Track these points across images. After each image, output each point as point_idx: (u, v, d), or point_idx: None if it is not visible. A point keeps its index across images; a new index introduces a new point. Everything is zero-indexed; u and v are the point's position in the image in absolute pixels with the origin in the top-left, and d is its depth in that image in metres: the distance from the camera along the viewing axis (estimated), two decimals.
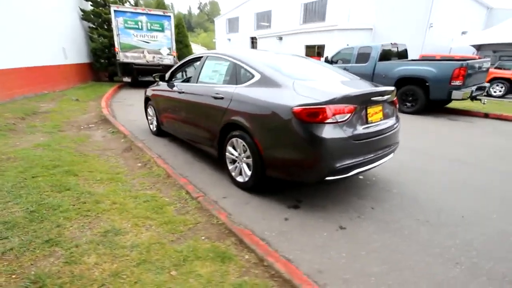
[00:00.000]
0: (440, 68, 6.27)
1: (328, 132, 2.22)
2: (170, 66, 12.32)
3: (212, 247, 1.93)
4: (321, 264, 1.85)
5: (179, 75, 4.51)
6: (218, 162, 3.58)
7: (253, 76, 2.78)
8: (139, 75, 12.01)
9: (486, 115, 6.66)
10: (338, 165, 2.29)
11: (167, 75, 4.31)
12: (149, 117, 5.16)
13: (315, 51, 17.61)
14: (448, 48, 15.40)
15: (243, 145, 2.77)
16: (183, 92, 3.68)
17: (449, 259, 1.95)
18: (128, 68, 11.65)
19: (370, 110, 2.50)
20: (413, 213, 2.52)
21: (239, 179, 2.94)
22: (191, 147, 4.20)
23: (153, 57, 12.06)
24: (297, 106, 2.25)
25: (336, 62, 8.97)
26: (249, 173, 2.78)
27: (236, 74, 2.96)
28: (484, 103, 6.84)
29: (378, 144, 2.54)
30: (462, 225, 2.36)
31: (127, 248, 1.88)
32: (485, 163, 3.83)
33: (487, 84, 7.00)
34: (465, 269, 1.85)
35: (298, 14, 19.90)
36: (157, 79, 4.67)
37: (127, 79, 11.86)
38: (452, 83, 6.08)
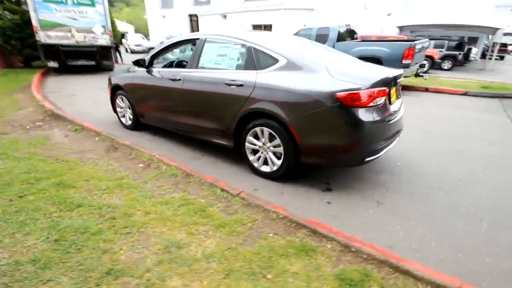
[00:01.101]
0: (393, 48, 6.99)
1: (370, 115, 2.31)
2: (107, 48, 10.83)
3: (287, 242, 1.88)
4: (387, 240, 1.99)
5: (160, 60, 3.99)
6: (226, 154, 3.40)
7: (276, 60, 2.64)
8: (68, 59, 10.18)
9: (426, 89, 7.79)
10: (376, 146, 2.43)
11: (146, 60, 3.76)
12: (119, 109, 4.50)
13: (263, 30, 17.57)
14: (379, 28, 17.11)
15: (270, 134, 2.68)
16: (178, 80, 3.29)
17: (473, 217, 2.31)
18: (53, 51, 9.75)
19: (391, 92, 2.67)
20: (424, 182, 2.86)
21: (265, 169, 2.86)
22: (183, 140, 3.85)
23: (84, 36, 10.32)
24: (340, 91, 2.25)
25: None
26: (278, 162, 2.72)
27: (254, 59, 2.77)
28: (425, 79, 7.98)
29: (397, 123, 2.76)
30: (464, 186, 2.80)
31: (203, 260, 1.69)
32: (448, 130, 4.54)
33: (425, 62, 8.13)
34: (489, 222, 2.22)
35: None
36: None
37: (53, 64, 9.94)
38: (403, 62, 6.86)
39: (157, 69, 3.78)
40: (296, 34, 9.31)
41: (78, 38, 10.14)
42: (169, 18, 25.35)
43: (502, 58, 20.81)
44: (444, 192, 2.69)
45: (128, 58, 13.79)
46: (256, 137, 2.83)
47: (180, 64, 4.13)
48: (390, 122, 2.55)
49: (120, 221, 2.00)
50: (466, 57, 15.70)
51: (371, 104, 2.30)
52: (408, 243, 1.97)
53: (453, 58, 14.51)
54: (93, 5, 10.25)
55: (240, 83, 2.75)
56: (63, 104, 5.87)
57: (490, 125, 4.92)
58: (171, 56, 5.53)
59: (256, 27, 17.37)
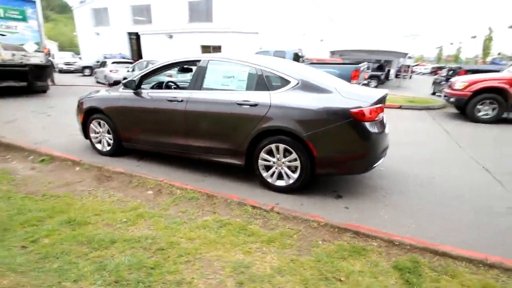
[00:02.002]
0: (342, 69, 8.02)
1: (375, 127, 2.71)
2: (41, 67, 9.61)
3: (338, 246, 2.05)
4: (413, 233, 2.30)
5: (148, 81, 3.83)
6: (230, 173, 3.42)
7: (288, 82, 2.88)
8: None
9: None
10: (378, 154, 2.83)
11: (135, 81, 3.58)
12: (93, 135, 4.09)
13: (211, 51, 17.80)
14: (315, 52, 19.19)
15: (285, 150, 2.86)
16: (180, 101, 3.23)
17: (455, 205, 2.84)
18: None
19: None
20: (408, 182, 3.38)
21: (279, 183, 3.00)
22: (176, 163, 3.71)
23: (13, 54, 9.04)
24: (353, 108, 2.59)
25: None
26: (295, 175, 2.90)
27: (265, 80, 2.95)
28: None
29: (387, 134, 3.24)
30: (440, 184, 3.39)
31: (276, 275, 1.73)
32: (403, 139, 5.40)
33: (365, 81, 9.47)
34: (476, 208, 2.76)
35: (184, 12, 19.31)
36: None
37: None
38: (351, 81, 7.91)
39: (149, 91, 3.64)
40: None
41: (5, 56, 8.80)
42: (104, 36, 23.72)
43: (410, 77, 25.40)
44: (425, 188, 3.22)
45: (58, 79, 12.31)
46: (269, 153, 2.96)
47: (167, 85, 4.04)
48: (385, 133, 3.01)
49: (171, 251, 1.88)
50: (387, 76, 18.69)
51: (376, 118, 2.70)
52: (425, 232, 2.33)
53: (377, 77, 17.10)
54: (24, 20, 9.11)
55: (254, 103, 2.88)
56: (7, 132, 4.99)
57: (429, 133, 6.01)
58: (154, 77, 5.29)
59: (204, 47, 17.62)
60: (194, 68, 3.60)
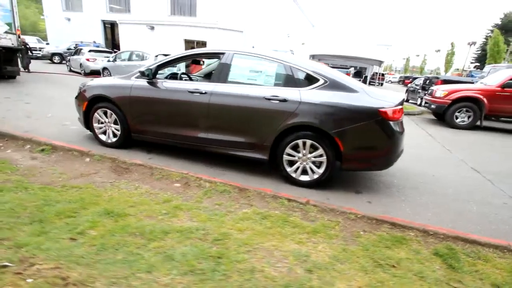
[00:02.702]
0: None
1: (398, 127, 2.89)
2: (13, 50, 8.76)
3: (379, 236, 2.17)
4: (434, 223, 2.50)
5: (162, 71, 3.69)
6: (248, 167, 3.43)
7: (317, 80, 2.96)
8: None
9: None
10: (399, 152, 3.02)
11: (152, 70, 3.43)
12: (97, 125, 3.85)
13: (195, 47, 17.39)
14: (297, 55, 19.63)
15: (312, 145, 2.94)
16: (204, 93, 3.17)
17: (458, 200, 3.12)
18: None
19: None
20: (413, 179, 3.64)
21: (304, 178, 3.08)
22: (191, 156, 3.63)
23: None
24: (382, 107, 2.75)
25: None
26: (320, 170, 2.99)
27: (294, 77, 3.01)
28: None
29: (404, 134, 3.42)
30: (441, 181, 3.69)
31: (336, 263, 1.80)
32: None
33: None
34: (476, 202, 3.07)
35: (165, 4, 18.66)
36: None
37: None
38: None
39: (167, 81, 3.52)
40: None
41: None
42: (76, 22, 22.13)
43: (381, 84, 26.96)
44: (431, 185, 3.49)
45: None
46: (294, 149, 3.03)
47: (178, 77, 3.92)
48: (404, 133, 3.21)
49: (228, 242, 1.86)
50: (364, 82, 19.70)
51: (399, 118, 2.89)
52: (444, 223, 2.55)
53: None
54: None
55: (284, 98, 2.93)
56: None
57: (417, 136, 6.46)
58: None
59: (188, 42, 17.19)
60: (207, 60, 3.56)
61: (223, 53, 3.30)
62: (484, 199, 3.18)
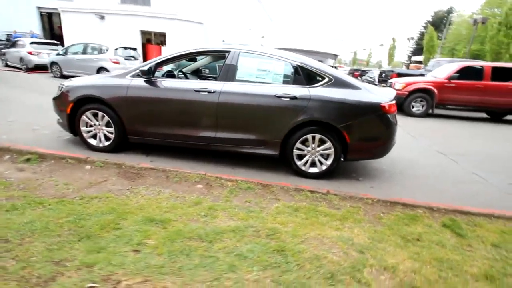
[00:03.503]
0: None
1: (394, 119, 3.25)
2: None
3: (397, 216, 2.48)
4: (438, 200, 2.91)
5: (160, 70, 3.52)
6: (256, 163, 3.54)
7: (323, 78, 3.16)
8: None
9: None
10: (394, 141, 3.40)
11: (148, 68, 3.26)
12: (85, 129, 3.55)
13: (152, 38, 16.38)
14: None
15: (320, 139, 3.16)
16: (212, 92, 3.15)
17: (441, 180, 3.66)
18: None
19: None
20: (399, 166, 4.12)
21: (313, 170, 3.29)
22: (189, 156, 3.59)
23: None
24: (382, 102, 3.07)
25: None
26: (328, 162, 3.23)
27: (302, 75, 3.17)
28: None
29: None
30: (417, 164, 4.24)
31: (375, 243, 2.03)
32: None
33: None
34: (450, 180, 3.63)
35: None
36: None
37: None
38: None
39: (169, 80, 3.40)
40: None
41: None
42: (6, 10, 19.05)
43: None
44: (410, 169, 3.97)
45: None
46: (302, 143, 3.21)
47: (173, 74, 3.79)
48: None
49: (280, 235, 1.97)
50: None
51: (395, 112, 3.25)
52: (437, 200, 2.99)
53: None
54: None
55: (294, 95, 3.07)
56: None
57: None
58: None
59: (145, 33, 16.13)
60: (208, 58, 3.50)
61: (228, 52, 3.30)
62: (456, 177, 3.76)
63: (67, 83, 3.62)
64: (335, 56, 22.03)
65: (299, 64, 3.21)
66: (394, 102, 3.21)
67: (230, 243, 1.81)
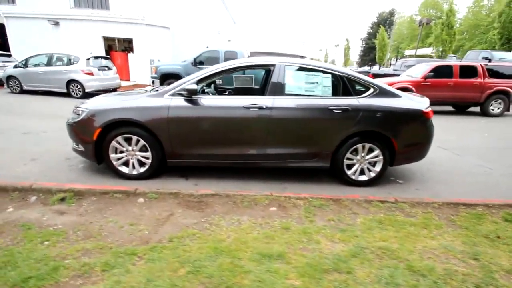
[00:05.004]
0: None
1: (432, 124, 3.46)
2: None
3: (465, 217, 2.65)
4: (468, 195, 3.18)
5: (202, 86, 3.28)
6: (302, 176, 3.51)
7: (368, 88, 3.25)
8: None
9: None
10: None
11: (195, 86, 3.02)
12: (115, 155, 3.19)
13: (116, 45, 15.16)
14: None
15: (370, 148, 3.25)
16: (263, 108, 3.04)
17: (458, 173, 4.01)
18: None
19: None
20: (420, 164, 4.41)
21: (362, 178, 3.36)
22: (238, 174, 3.47)
23: None
24: (424, 108, 3.26)
25: (202, 64, 9.16)
26: (377, 169, 3.33)
27: (349, 87, 3.21)
28: None
29: None
30: (431, 161, 4.58)
31: (473, 246, 2.15)
32: None
33: None
34: (460, 172, 3.98)
35: None
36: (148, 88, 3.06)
37: None
38: None
39: (212, 98, 3.20)
40: (200, 56, 9.36)
41: None
42: None
43: None
44: (429, 165, 4.28)
45: None
46: (354, 153, 3.27)
47: (211, 92, 3.58)
48: None
49: (397, 254, 1.98)
50: None
51: (432, 117, 3.47)
52: (471, 195, 3.26)
53: None
54: None
55: (346, 107, 3.11)
56: None
57: None
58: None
59: (108, 39, 14.90)
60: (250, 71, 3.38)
61: (273, 65, 3.21)
62: (468, 170, 4.13)
63: (89, 105, 3.20)
64: (301, 58, 22.81)
65: (345, 75, 3.25)
66: (430, 108, 3.42)
67: (366, 271, 1.77)
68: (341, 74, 3.25)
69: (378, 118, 3.16)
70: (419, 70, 8.99)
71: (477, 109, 9.28)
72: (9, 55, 10.91)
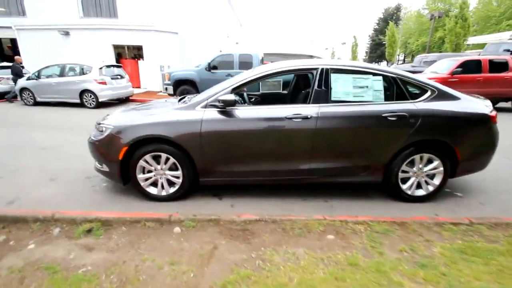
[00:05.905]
0: None
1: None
2: None
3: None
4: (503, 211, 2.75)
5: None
6: (347, 192, 3.12)
7: (425, 91, 2.85)
8: None
9: None
10: None
11: (232, 96, 2.68)
12: (142, 176, 2.88)
13: (126, 52, 15.03)
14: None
15: (428, 159, 2.84)
16: (308, 118, 2.68)
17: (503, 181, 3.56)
18: None
19: None
20: None
21: (419, 193, 2.95)
22: (268, 192, 3.11)
23: None
24: (489, 112, 2.83)
25: (216, 68, 8.86)
26: (436, 182, 2.92)
27: (403, 90, 2.82)
28: None
29: None
30: None
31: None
32: None
33: None
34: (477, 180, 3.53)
35: (73, 5, 15.45)
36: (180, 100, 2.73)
37: None
38: None
39: (248, 109, 2.85)
40: (213, 60, 9.05)
41: None
42: None
43: None
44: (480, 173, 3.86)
45: None
46: (411, 165, 2.86)
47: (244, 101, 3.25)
48: None
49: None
50: None
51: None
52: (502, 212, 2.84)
53: None
54: None
55: (402, 114, 2.71)
56: None
57: None
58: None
59: (118, 47, 14.79)
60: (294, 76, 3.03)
61: (315, 68, 2.85)
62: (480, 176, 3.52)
63: (112, 121, 2.89)
64: (310, 57, 22.36)
65: (398, 76, 2.86)
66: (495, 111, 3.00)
67: None
68: (393, 75, 2.86)
69: (440, 124, 2.76)
70: (445, 66, 8.48)
71: (507, 104, 8.73)
72: (22, 67, 10.83)
